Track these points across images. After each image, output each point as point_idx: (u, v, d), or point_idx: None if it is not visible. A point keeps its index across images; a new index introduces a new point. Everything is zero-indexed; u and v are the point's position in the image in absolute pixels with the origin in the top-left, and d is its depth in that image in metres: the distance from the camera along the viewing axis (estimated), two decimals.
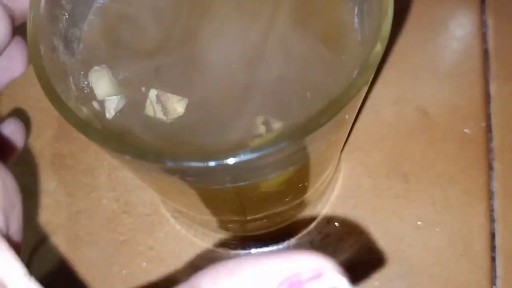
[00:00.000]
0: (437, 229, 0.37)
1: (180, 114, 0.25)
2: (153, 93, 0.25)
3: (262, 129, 0.24)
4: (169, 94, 0.25)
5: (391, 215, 0.38)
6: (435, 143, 0.40)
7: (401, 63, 0.42)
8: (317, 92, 0.25)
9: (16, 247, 0.21)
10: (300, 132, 0.19)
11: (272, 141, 0.19)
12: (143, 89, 0.26)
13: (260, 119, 0.25)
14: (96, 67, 0.26)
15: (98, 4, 0.27)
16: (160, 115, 0.25)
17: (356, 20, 0.27)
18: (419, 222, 0.38)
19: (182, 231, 0.38)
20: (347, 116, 0.23)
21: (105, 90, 0.25)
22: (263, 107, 0.25)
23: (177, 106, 0.25)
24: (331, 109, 0.20)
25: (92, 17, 0.27)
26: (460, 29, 0.44)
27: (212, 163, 0.19)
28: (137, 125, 0.25)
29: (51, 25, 0.23)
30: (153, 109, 0.25)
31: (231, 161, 0.19)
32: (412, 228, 0.38)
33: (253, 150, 0.19)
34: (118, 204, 0.40)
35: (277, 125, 0.24)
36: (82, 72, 0.26)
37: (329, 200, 0.39)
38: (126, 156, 0.19)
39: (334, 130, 0.24)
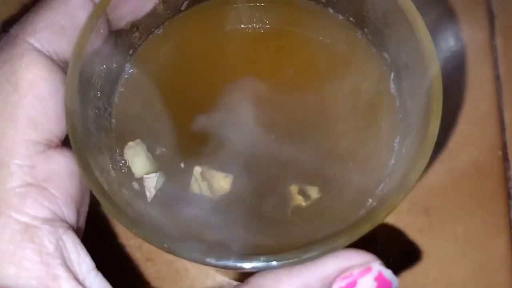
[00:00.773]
0: (460, 263, 0.38)
1: (226, 191, 0.25)
2: (197, 170, 0.25)
3: (299, 199, 0.24)
4: (214, 171, 0.25)
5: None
6: (453, 175, 0.39)
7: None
8: (354, 159, 0.25)
9: (83, 240, 0.23)
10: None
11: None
12: (182, 165, 0.25)
13: (294, 189, 0.24)
14: (130, 143, 0.25)
15: (126, 75, 0.27)
16: (206, 192, 0.25)
17: (392, 85, 0.27)
18: (443, 256, 0.38)
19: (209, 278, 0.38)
20: None
21: (142, 167, 0.25)
22: (297, 177, 0.25)
23: (223, 183, 0.25)
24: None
25: (122, 89, 0.27)
26: (470, 56, 0.43)
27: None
28: (179, 204, 0.25)
29: (85, 109, 0.23)
30: (198, 186, 0.25)
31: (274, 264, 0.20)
32: (437, 262, 0.38)
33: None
34: (141, 252, 0.39)
35: (312, 191, 0.25)
36: (117, 150, 0.25)
37: None
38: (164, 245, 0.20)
39: None
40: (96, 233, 0.38)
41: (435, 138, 0.22)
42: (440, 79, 0.23)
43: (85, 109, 0.23)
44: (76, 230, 0.23)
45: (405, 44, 0.24)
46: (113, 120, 0.26)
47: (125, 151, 0.25)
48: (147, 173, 0.25)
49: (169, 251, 0.20)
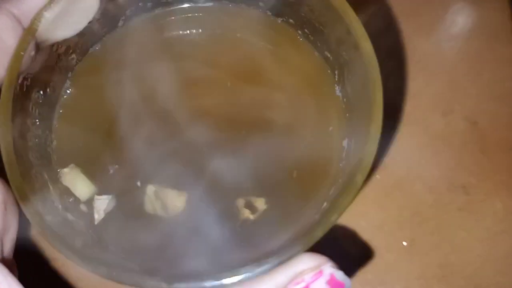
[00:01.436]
0: (501, 238, 0.37)
1: (181, 210, 0.24)
2: (151, 189, 0.25)
3: (246, 212, 0.24)
4: (168, 190, 0.25)
5: (457, 229, 0.37)
6: (488, 153, 0.39)
7: (444, 75, 0.42)
8: (302, 166, 0.25)
9: (11, 268, 0.21)
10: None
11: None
12: (138, 183, 0.25)
13: (241, 202, 0.24)
14: (65, 170, 0.25)
15: (65, 96, 0.26)
16: (160, 212, 0.24)
17: (336, 87, 0.26)
18: (484, 233, 0.37)
19: None
20: None
21: (84, 190, 0.25)
22: (243, 190, 0.24)
23: (178, 201, 0.24)
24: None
25: (61, 110, 0.26)
26: (497, 36, 0.43)
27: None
28: (131, 225, 0.24)
29: (23, 141, 0.22)
30: (152, 206, 0.24)
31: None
32: (478, 240, 0.37)
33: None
34: None
35: (258, 202, 0.24)
36: (59, 177, 0.25)
37: None
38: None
39: None
40: (30, 258, 0.35)
41: (378, 135, 0.22)
42: (378, 72, 0.23)
43: (23, 141, 0.22)
44: (3, 259, 0.22)
45: (343, 41, 0.24)
46: (54, 143, 0.26)
47: (62, 177, 0.25)
48: (91, 195, 0.25)
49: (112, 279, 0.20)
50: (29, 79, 0.23)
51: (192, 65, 0.27)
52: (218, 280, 0.19)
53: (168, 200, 0.24)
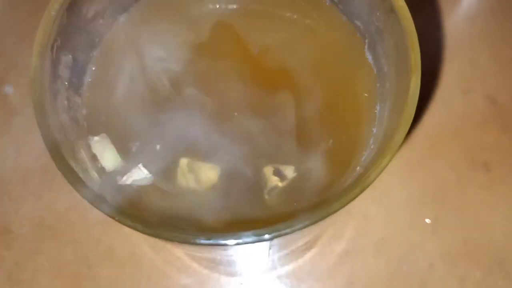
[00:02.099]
0: None
1: (214, 182, 0.24)
2: (183, 162, 0.24)
3: (274, 179, 0.24)
4: (200, 163, 0.24)
5: (480, 206, 0.38)
6: (508, 130, 0.40)
7: (463, 54, 0.42)
8: (334, 132, 0.25)
9: None
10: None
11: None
12: (170, 156, 0.25)
13: (269, 170, 0.24)
14: (96, 138, 0.25)
15: (94, 66, 0.26)
16: (193, 184, 0.24)
17: (367, 53, 0.26)
18: (507, 211, 0.38)
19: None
20: None
21: (112, 160, 0.24)
22: (272, 157, 0.24)
23: (211, 174, 0.24)
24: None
25: (90, 79, 0.26)
26: None
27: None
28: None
29: (54, 100, 0.22)
30: (185, 179, 0.24)
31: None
32: (502, 218, 0.37)
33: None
34: None
35: (287, 170, 0.24)
36: (89, 143, 0.25)
37: None
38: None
39: None
40: None
41: (417, 96, 0.22)
42: (416, 37, 0.22)
43: (55, 100, 0.22)
44: None
45: (377, 7, 0.24)
46: (84, 110, 0.25)
47: (92, 145, 0.25)
48: (116, 167, 0.24)
49: (160, 236, 0.19)
50: (59, 40, 0.22)
51: (220, 37, 0.27)
52: (256, 236, 0.19)
53: (201, 173, 0.24)
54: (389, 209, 0.38)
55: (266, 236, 0.19)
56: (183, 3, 0.28)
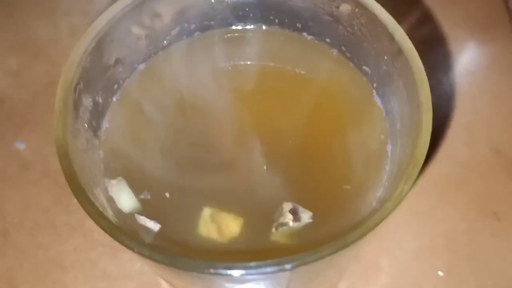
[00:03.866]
0: None
1: (236, 234, 0.24)
2: (207, 212, 0.25)
3: (288, 216, 0.24)
4: (224, 213, 0.25)
5: (492, 255, 0.37)
6: None
7: (465, 107, 0.43)
8: (351, 180, 0.25)
9: None
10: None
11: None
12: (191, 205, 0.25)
13: (287, 206, 0.24)
14: (112, 181, 0.25)
15: (112, 111, 0.27)
16: (214, 235, 0.24)
17: (376, 97, 0.27)
18: None
19: None
20: None
21: (128, 203, 0.25)
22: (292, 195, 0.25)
23: (233, 226, 0.24)
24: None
25: (108, 125, 0.27)
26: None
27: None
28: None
29: (74, 139, 0.23)
30: (207, 229, 0.24)
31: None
32: None
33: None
34: None
35: (305, 214, 0.24)
36: (106, 186, 0.25)
37: None
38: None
39: None
40: None
41: (430, 125, 0.22)
42: (425, 74, 0.23)
43: (75, 140, 0.23)
44: None
45: (384, 53, 0.25)
46: (101, 154, 0.26)
47: (109, 188, 0.25)
48: (133, 210, 0.25)
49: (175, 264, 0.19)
50: (81, 83, 0.23)
51: (236, 89, 0.28)
52: (277, 266, 0.19)
53: (223, 224, 0.24)
54: (400, 260, 0.37)
55: (287, 266, 0.19)
56: (199, 58, 0.29)
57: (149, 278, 0.36)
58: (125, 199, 0.25)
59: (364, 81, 0.27)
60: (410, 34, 0.24)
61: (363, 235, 0.20)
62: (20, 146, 0.40)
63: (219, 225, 0.24)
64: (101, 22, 0.24)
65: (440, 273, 0.37)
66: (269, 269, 0.19)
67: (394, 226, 0.38)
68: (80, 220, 0.38)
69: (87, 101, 0.24)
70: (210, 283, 0.22)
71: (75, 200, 0.37)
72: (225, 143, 0.27)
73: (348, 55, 0.28)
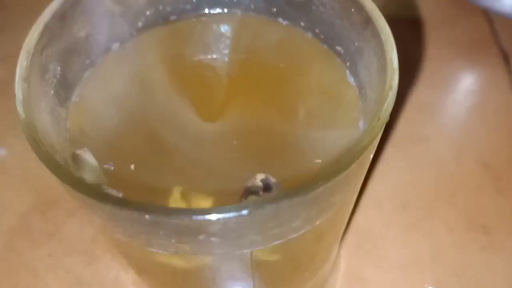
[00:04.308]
0: None
1: None
2: (177, 190, 0.24)
3: (259, 185, 0.23)
4: (194, 193, 0.24)
5: (482, 269, 0.36)
6: (504, 193, 0.40)
7: (452, 123, 0.44)
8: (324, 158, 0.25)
9: None
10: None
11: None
12: (160, 183, 0.24)
13: (260, 176, 0.23)
14: (78, 151, 0.24)
15: (82, 86, 0.26)
16: None
17: (349, 76, 0.27)
18: (510, 272, 0.36)
19: None
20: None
21: (92, 174, 0.24)
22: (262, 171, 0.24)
23: (204, 204, 0.23)
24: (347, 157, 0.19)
25: (77, 99, 0.26)
26: (497, 88, 0.45)
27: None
28: None
29: (38, 101, 0.22)
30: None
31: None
32: (505, 279, 0.36)
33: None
34: None
35: (276, 185, 0.23)
36: (72, 155, 0.24)
37: None
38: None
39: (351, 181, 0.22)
40: None
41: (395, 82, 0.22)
42: (394, 44, 0.22)
43: (39, 102, 0.22)
44: None
45: (355, 27, 0.25)
46: (68, 124, 0.25)
47: (74, 158, 0.24)
48: (97, 181, 0.24)
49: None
50: (49, 48, 0.23)
51: (208, 71, 0.28)
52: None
53: (194, 203, 0.24)
54: (387, 273, 0.36)
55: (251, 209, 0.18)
56: (173, 43, 0.29)
57: (124, 286, 0.35)
58: (89, 169, 0.24)
59: (338, 61, 0.27)
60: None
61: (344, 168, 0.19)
62: (2, 152, 0.40)
63: (190, 204, 0.24)
64: None
65: (430, 287, 0.35)
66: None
67: (380, 240, 0.37)
68: (58, 226, 0.37)
69: (54, 69, 0.24)
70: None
71: (53, 206, 0.37)
72: (194, 121, 0.26)
73: (322, 37, 0.28)
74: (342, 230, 0.30)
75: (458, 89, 0.45)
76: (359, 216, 0.38)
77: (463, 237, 0.37)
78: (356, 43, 0.25)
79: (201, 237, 0.19)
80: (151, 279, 0.29)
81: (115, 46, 0.28)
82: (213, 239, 0.20)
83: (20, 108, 0.21)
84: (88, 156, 0.24)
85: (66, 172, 0.19)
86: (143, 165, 0.25)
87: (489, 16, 0.49)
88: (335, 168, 0.19)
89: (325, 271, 0.33)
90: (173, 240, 0.20)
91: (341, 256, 0.36)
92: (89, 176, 0.24)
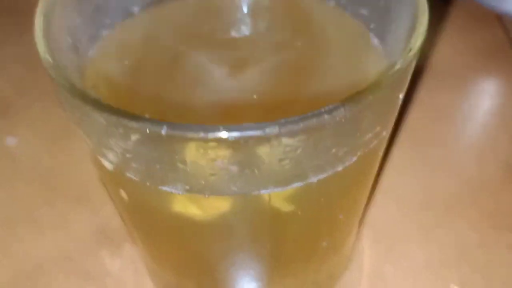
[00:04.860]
0: None
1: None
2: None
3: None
4: None
5: (509, 268, 0.35)
6: None
7: (474, 126, 0.43)
8: None
9: None
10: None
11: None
12: None
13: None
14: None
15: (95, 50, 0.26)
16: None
17: (374, 39, 0.26)
18: None
19: None
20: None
21: None
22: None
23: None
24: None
25: (94, 56, 0.26)
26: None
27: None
28: None
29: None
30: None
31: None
32: None
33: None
34: None
35: None
36: None
37: None
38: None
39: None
40: None
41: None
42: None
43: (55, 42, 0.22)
44: None
45: None
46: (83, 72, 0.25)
47: None
48: None
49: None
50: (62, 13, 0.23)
51: (223, 39, 0.28)
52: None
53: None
54: (408, 272, 0.34)
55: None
56: (182, 18, 0.29)
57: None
58: None
59: (361, 25, 0.27)
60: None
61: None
62: (12, 141, 0.40)
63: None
64: None
65: (454, 286, 0.33)
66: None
67: (400, 238, 0.35)
68: (63, 217, 0.37)
69: (73, 23, 0.24)
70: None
71: (62, 199, 0.36)
72: (216, 73, 0.26)
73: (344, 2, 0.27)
74: (366, 196, 0.28)
75: (476, 96, 0.45)
76: (378, 211, 0.36)
77: (489, 236, 0.35)
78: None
79: (218, 162, 0.18)
80: (162, 245, 0.28)
81: (135, 9, 0.28)
82: (231, 167, 0.18)
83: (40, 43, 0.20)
84: None
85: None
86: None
87: (505, 25, 0.49)
88: (374, 85, 0.18)
89: (344, 257, 0.31)
90: (188, 169, 0.19)
91: (363, 250, 0.35)
92: None
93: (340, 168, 0.21)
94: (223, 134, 0.17)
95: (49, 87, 0.20)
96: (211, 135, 0.17)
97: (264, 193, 0.20)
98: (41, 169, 0.39)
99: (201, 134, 0.17)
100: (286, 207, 0.22)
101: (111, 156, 0.20)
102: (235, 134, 0.17)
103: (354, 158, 0.21)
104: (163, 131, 0.17)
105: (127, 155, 0.20)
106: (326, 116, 0.17)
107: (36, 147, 0.40)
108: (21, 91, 0.44)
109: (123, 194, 0.23)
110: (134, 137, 0.18)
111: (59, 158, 0.40)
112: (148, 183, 0.21)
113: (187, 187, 0.20)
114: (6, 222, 0.36)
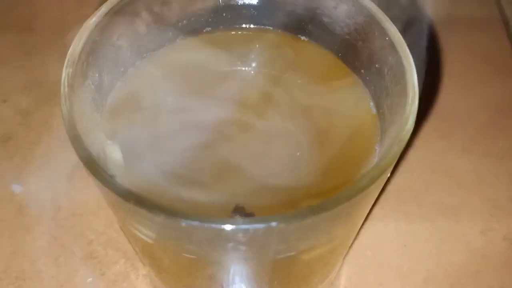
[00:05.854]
0: None
1: None
2: None
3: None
4: None
5: None
6: None
7: (482, 193, 0.43)
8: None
9: None
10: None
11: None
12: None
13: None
14: (109, 141, 0.26)
15: (116, 90, 0.28)
16: None
17: (372, 104, 0.28)
18: None
19: None
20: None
21: (116, 167, 0.25)
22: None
23: None
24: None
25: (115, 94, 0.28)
26: None
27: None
28: None
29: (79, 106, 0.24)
30: None
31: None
32: None
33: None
34: None
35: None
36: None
37: None
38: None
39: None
40: None
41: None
42: (411, 60, 0.24)
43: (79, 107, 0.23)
44: None
45: (376, 49, 0.26)
46: (106, 114, 0.27)
47: (104, 146, 0.26)
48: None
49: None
50: (90, 57, 0.25)
51: (236, 89, 0.30)
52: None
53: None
54: None
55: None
56: (205, 56, 0.31)
57: None
58: (115, 161, 0.25)
59: (360, 85, 0.29)
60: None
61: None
62: (17, 188, 0.40)
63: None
64: (113, 1, 0.25)
65: None
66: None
67: None
68: (69, 275, 0.37)
69: (93, 76, 0.25)
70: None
71: (65, 253, 0.36)
72: (219, 141, 0.28)
73: (344, 58, 0.29)
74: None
75: (487, 156, 0.44)
76: None
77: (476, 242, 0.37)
78: (376, 65, 0.26)
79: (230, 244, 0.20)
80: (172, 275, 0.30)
81: (148, 55, 0.29)
82: (241, 247, 0.21)
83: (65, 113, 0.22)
84: (117, 147, 0.26)
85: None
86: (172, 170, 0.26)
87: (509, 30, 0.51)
88: (356, 187, 0.20)
89: None
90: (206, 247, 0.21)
91: None
92: (115, 166, 0.25)
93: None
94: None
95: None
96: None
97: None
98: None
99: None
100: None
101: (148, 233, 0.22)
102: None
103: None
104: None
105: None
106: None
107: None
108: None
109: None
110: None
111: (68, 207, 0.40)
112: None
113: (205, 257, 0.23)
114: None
